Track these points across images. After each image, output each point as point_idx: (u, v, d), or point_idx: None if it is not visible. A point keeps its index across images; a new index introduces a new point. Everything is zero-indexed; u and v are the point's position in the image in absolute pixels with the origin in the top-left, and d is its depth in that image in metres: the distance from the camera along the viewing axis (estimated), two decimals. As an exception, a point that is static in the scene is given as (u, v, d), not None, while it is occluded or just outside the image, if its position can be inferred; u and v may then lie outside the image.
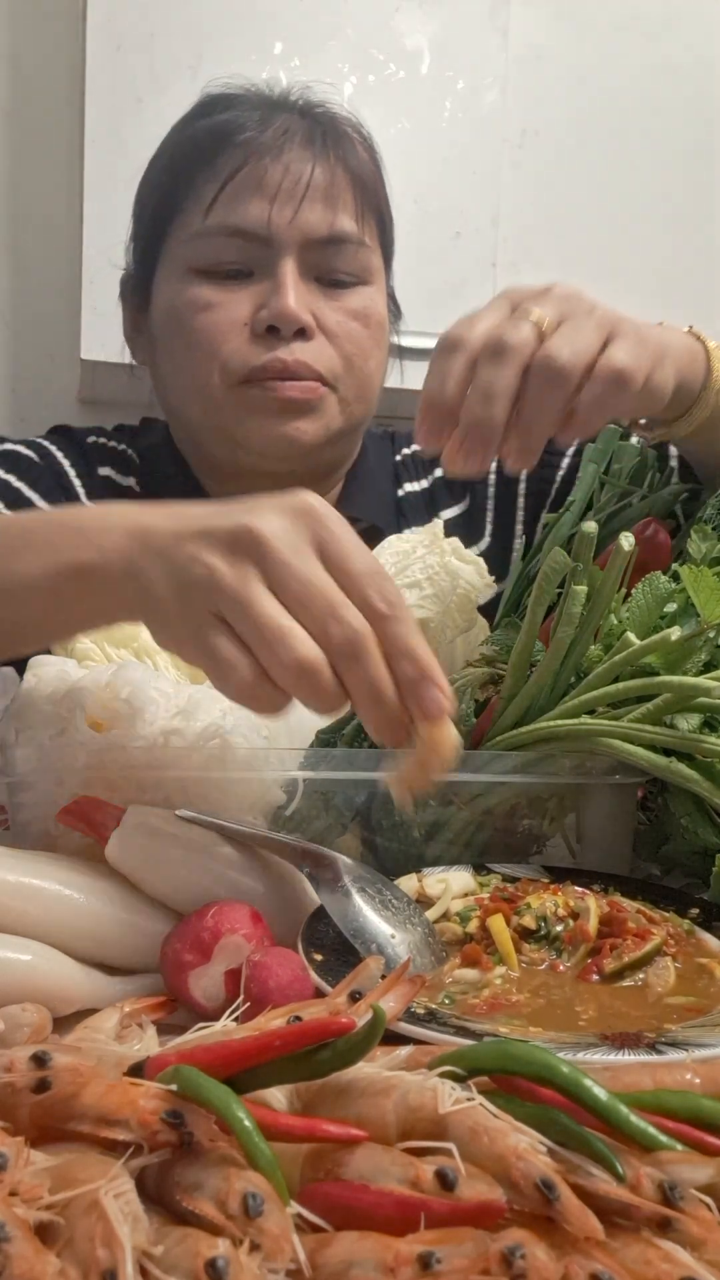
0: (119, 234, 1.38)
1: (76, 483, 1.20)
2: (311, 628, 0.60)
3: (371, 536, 1.14)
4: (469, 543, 0.99)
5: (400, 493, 1.30)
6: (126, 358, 1.30)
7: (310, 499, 0.64)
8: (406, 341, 2.22)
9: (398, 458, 1.33)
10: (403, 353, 1.27)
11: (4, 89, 2.23)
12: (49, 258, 2.24)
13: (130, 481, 1.24)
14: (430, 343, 2.26)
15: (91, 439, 1.26)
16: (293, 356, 1.07)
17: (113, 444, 1.26)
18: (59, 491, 1.18)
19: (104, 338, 1.92)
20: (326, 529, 0.62)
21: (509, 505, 1.28)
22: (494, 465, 1.27)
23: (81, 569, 0.68)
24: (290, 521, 0.62)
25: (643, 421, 0.96)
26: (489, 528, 1.28)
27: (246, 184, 1.07)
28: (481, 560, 0.97)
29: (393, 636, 0.61)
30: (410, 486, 1.31)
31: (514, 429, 0.77)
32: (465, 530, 1.24)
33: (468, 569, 0.95)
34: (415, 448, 1.34)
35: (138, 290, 1.19)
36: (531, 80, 2.08)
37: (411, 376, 2.19)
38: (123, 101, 1.93)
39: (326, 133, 1.12)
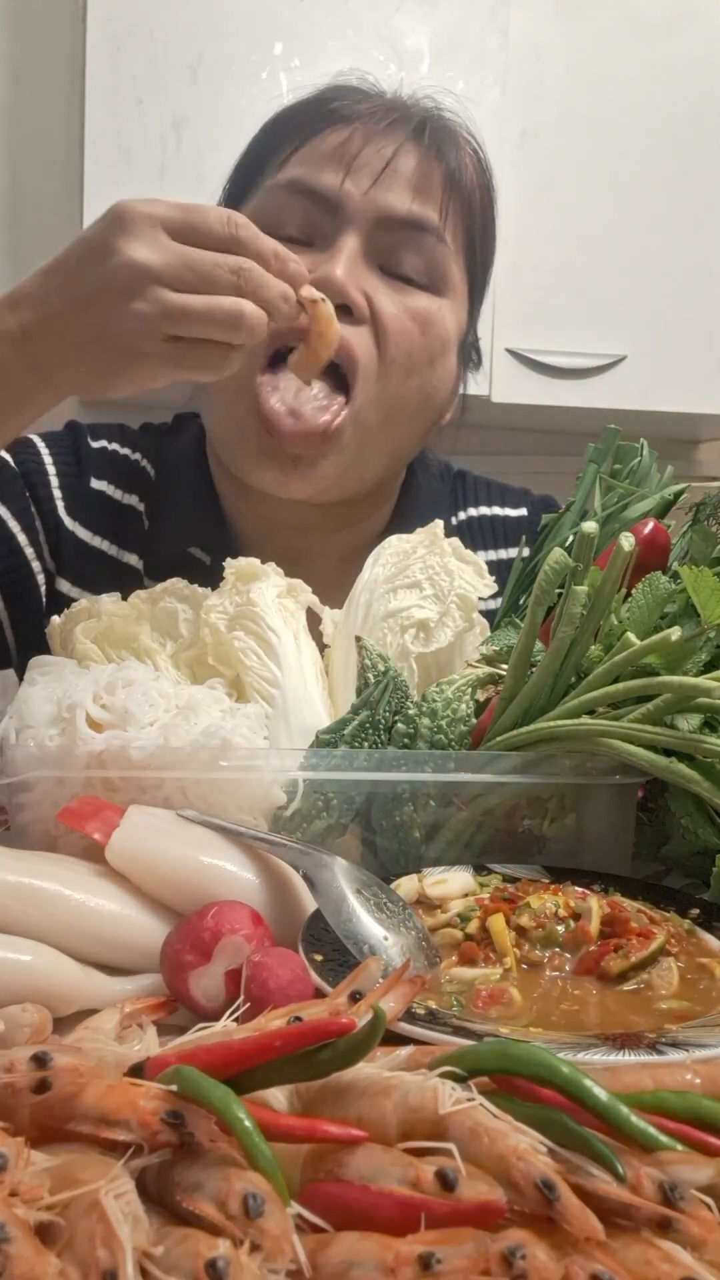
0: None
1: (57, 494, 1.12)
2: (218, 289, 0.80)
3: None
4: None
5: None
6: None
7: (117, 210, 0.83)
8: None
9: (463, 515, 1.22)
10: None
11: (4, 89, 2.23)
12: (49, 257, 2.24)
13: (132, 500, 1.15)
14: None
15: (100, 444, 1.17)
16: None
17: (124, 452, 1.17)
18: (27, 501, 1.11)
19: (104, 338, 1.92)
20: (153, 212, 0.81)
21: None
22: None
23: None
24: (135, 231, 0.81)
25: None
26: None
27: (325, 146, 1.01)
28: (481, 560, 0.97)
29: (254, 248, 0.82)
30: (486, 555, 1.18)
31: None
32: None
33: (468, 569, 0.95)
34: (484, 511, 1.22)
35: None
36: (531, 80, 2.08)
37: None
38: (123, 101, 1.93)
39: (435, 130, 1.04)
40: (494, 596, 0.96)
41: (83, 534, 1.13)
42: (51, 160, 2.22)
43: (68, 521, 1.13)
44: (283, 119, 1.07)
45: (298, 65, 1.98)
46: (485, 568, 0.96)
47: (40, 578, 1.12)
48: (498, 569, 1.02)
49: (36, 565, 1.12)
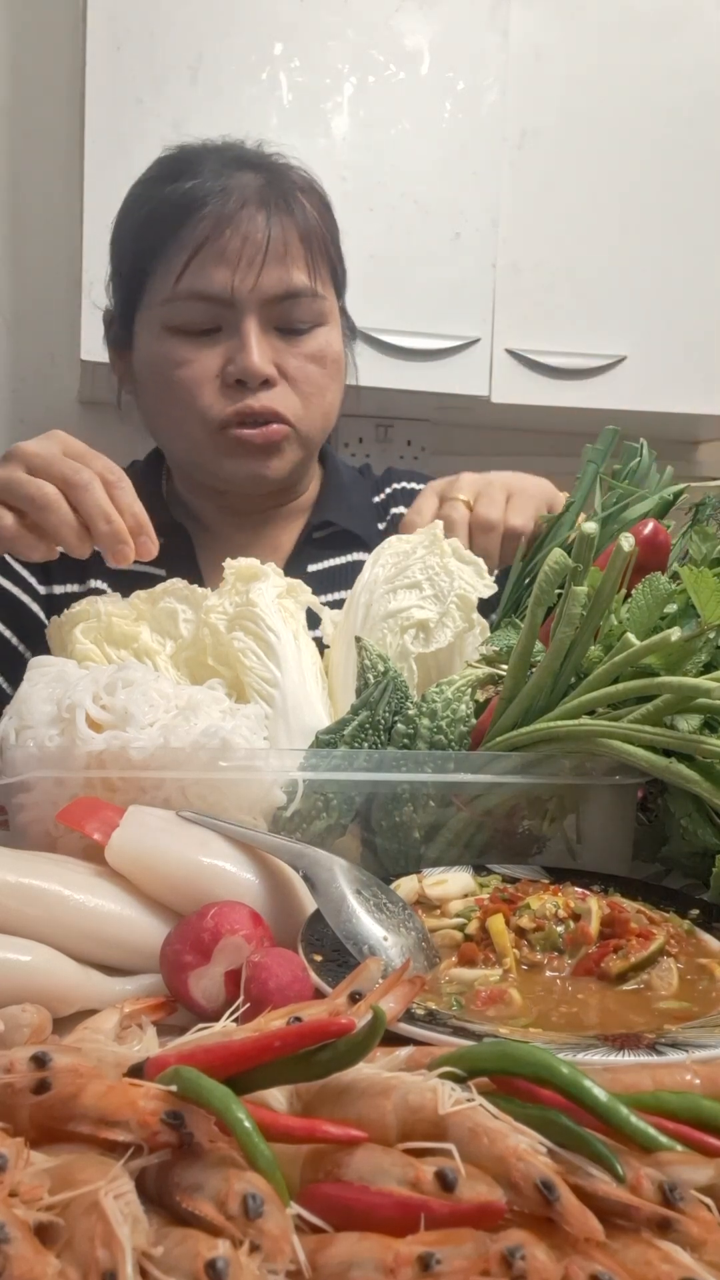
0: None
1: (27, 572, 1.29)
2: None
3: (346, 541, 1.33)
4: None
5: (395, 510, 1.39)
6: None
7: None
8: (409, 343, 2.21)
9: (389, 490, 1.44)
10: (407, 354, 1.41)
11: (4, 89, 2.23)
12: (49, 258, 2.24)
13: None
14: (431, 343, 2.27)
15: None
16: (260, 404, 1.21)
17: None
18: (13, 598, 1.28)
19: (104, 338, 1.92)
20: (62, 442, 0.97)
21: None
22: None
23: None
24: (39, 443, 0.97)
25: None
26: None
27: (210, 254, 1.19)
28: (481, 561, 0.97)
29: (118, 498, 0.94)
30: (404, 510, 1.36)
31: None
32: None
33: (467, 569, 0.95)
34: (407, 484, 1.45)
35: (121, 333, 1.31)
36: (531, 80, 2.08)
37: (411, 377, 2.18)
38: (123, 101, 1.93)
39: (283, 194, 1.23)
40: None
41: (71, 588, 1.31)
42: (51, 160, 2.22)
43: (57, 590, 1.30)
44: (155, 221, 1.23)
45: (298, 65, 1.98)
46: (485, 568, 0.97)
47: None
48: None
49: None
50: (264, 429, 1.22)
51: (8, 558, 1.21)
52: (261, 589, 0.92)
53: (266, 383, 1.21)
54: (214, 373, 1.21)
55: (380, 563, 0.97)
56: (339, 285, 1.32)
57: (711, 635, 0.77)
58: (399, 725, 0.83)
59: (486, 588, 0.95)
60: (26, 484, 0.93)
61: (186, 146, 1.27)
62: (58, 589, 1.29)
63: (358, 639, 0.88)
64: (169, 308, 1.22)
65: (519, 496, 1.14)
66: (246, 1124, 0.40)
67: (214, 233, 1.19)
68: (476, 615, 0.95)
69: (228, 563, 0.95)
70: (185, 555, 1.28)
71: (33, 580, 1.29)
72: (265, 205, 1.21)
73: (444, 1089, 0.42)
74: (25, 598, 1.28)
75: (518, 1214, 0.38)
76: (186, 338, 1.22)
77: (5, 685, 1.26)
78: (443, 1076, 0.44)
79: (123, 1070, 0.45)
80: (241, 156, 1.26)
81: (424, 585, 0.94)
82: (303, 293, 1.22)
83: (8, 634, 1.26)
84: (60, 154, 2.19)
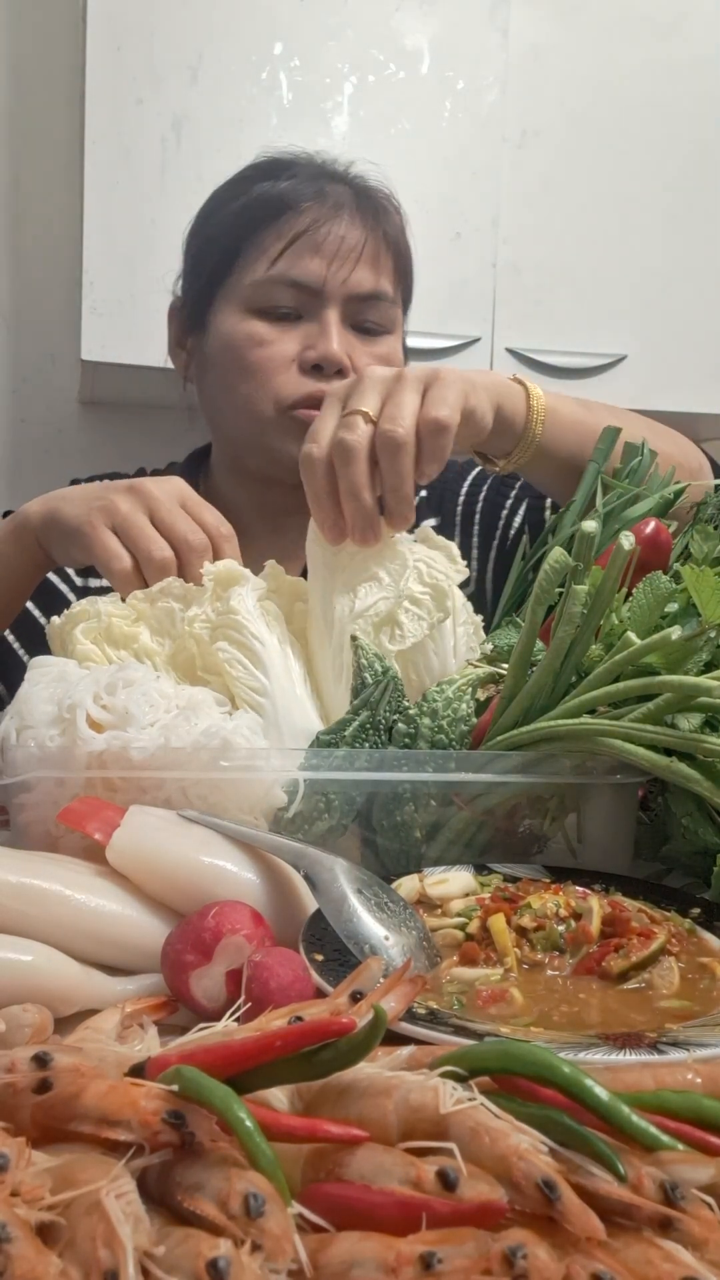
0: (119, 234, 1.39)
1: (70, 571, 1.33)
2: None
3: None
4: None
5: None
6: (127, 359, 1.39)
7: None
8: (409, 343, 2.23)
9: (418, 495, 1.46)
10: (407, 354, 1.42)
11: (4, 89, 2.23)
12: (49, 258, 2.24)
13: None
14: (432, 343, 2.28)
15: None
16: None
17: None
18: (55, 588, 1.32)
19: (104, 338, 1.92)
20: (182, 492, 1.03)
21: (467, 531, 1.38)
22: (464, 489, 1.40)
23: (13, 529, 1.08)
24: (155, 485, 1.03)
25: (486, 455, 1.12)
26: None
27: (308, 245, 1.28)
28: (454, 545, 0.95)
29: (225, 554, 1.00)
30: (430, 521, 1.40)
31: (385, 497, 0.94)
32: None
33: (437, 556, 0.93)
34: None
35: (191, 317, 1.37)
36: (531, 80, 2.08)
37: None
38: (123, 101, 1.93)
39: (374, 206, 1.32)
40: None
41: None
42: (51, 160, 2.22)
43: (92, 584, 1.34)
44: (251, 213, 1.30)
45: (298, 65, 1.98)
46: (457, 552, 0.95)
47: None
48: (422, 505, 1.38)
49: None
50: None
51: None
52: (242, 594, 0.90)
53: (340, 372, 1.26)
54: (291, 356, 1.27)
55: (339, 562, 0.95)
56: (407, 302, 1.40)
57: (712, 634, 0.77)
58: (400, 725, 0.83)
59: (458, 573, 0.93)
60: (151, 541, 0.98)
61: (281, 155, 1.35)
62: (93, 583, 1.33)
63: (354, 638, 0.88)
64: (257, 289, 1.28)
65: (437, 387, 0.97)
66: (248, 1123, 0.40)
67: (313, 226, 1.27)
68: (455, 603, 0.92)
69: (206, 567, 0.94)
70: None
71: (71, 572, 1.33)
72: (362, 212, 1.30)
73: (445, 1088, 0.42)
74: (64, 588, 1.32)
75: (519, 1213, 0.38)
76: (268, 319, 1.28)
77: None
78: (444, 1076, 0.44)
79: (124, 1070, 0.45)
80: (333, 170, 1.34)
81: (382, 578, 0.92)
82: (383, 297, 1.30)
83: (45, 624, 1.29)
84: (60, 154, 2.20)
